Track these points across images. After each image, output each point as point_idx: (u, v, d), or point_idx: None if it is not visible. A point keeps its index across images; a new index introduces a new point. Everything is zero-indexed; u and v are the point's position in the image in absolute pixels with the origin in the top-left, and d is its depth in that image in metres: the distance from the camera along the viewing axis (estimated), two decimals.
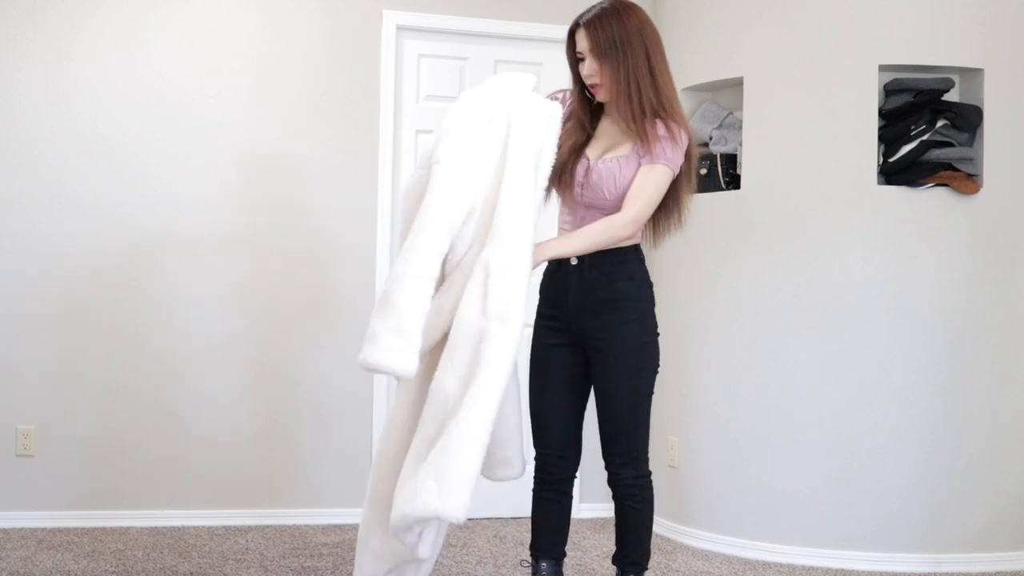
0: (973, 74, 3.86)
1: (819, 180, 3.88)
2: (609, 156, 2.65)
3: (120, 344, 4.23)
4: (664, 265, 4.18)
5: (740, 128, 4.12)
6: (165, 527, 4.20)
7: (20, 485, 4.15)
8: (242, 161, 4.33)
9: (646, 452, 2.73)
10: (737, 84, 4.12)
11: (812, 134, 3.89)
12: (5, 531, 4.06)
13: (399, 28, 4.46)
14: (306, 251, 4.37)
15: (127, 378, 4.23)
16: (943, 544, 3.78)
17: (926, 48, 3.81)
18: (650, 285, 2.72)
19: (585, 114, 2.71)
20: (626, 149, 2.64)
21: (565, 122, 2.69)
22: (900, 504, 3.79)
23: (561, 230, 2.76)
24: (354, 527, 4.29)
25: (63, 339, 4.19)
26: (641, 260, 2.71)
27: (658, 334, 2.73)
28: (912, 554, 3.77)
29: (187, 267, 4.28)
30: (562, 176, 2.67)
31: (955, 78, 3.89)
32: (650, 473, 2.75)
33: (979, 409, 3.82)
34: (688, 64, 4.28)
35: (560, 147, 2.65)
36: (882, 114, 3.87)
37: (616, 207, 2.63)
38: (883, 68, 3.84)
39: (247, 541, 4.02)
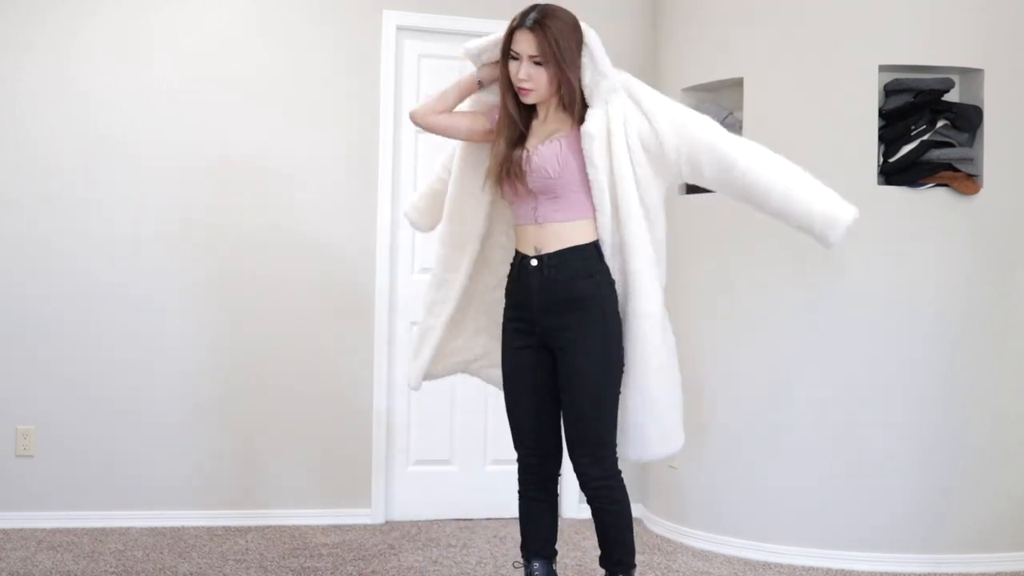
0: (973, 74, 3.86)
1: (819, 180, 3.87)
2: (548, 139, 2.68)
3: (120, 344, 4.23)
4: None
5: (740, 128, 4.12)
6: (165, 527, 4.20)
7: (20, 485, 4.15)
8: (241, 161, 4.33)
9: (613, 452, 2.71)
10: (737, 84, 4.11)
11: (812, 134, 3.88)
12: (5, 531, 4.06)
13: (399, 28, 4.46)
14: (306, 251, 4.37)
15: (127, 378, 4.23)
16: (943, 545, 3.78)
17: (926, 48, 3.80)
18: (611, 284, 2.69)
19: (517, 112, 2.71)
20: (564, 133, 2.68)
21: (494, 122, 2.76)
22: (900, 505, 3.79)
23: (517, 228, 2.75)
24: (354, 527, 4.30)
25: (63, 339, 4.19)
26: (601, 258, 2.69)
27: (621, 333, 2.70)
28: (912, 555, 3.77)
29: (186, 267, 4.28)
30: (507, 170, 2.67)
31: (955, 78, 3.89)
32: (620, 472, 2.72)
33: (979, 409, 3.82)
34: (688, 64, 4.28)
35: (498, 144, 2.70)
36: (882, 114, 3.87)
37: (565, 186, 2.64)
38: (883, 68, 3.84)
39: (247, 541, 4.02)
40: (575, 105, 2.65)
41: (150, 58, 4.27)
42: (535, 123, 2.75)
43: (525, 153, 2.68)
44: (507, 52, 2.65)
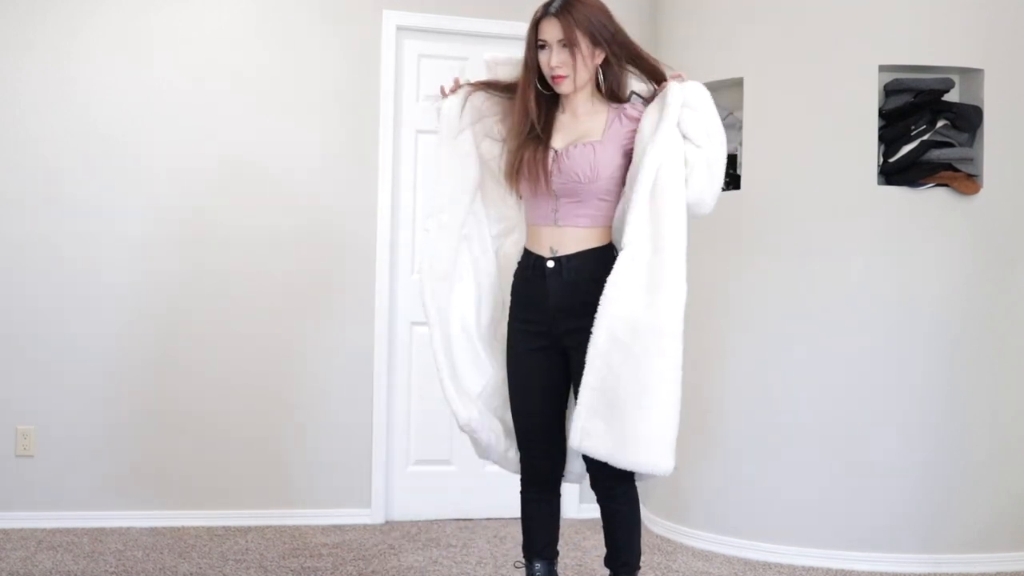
0: (973, 74, 3.86)
1: (819, 180, 3.88)
2: (580, 143, 2.64)
3: (120, 344, 4.23)
4: None
5: (740, 128, 4.12)
6: (165, 527, 4.20)
7: (20, 485, 4.15)
8: (241, 161, 4.33)
9: None
10: (737, 84, 4.11)
11: (812, 134, 3.89)
12: (5, 531, 4.06)
13: (399, 28, 4.46)
14: (306, 251, 4.37)
15: (127, 378, 4.23)
16: (943, 544, 3.78)
17: (926, 48, 3.80)
18: None
19: (538, 106, 2.68)
20: (596, 135, 2.65)
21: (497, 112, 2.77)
22: (900, 504, 3.79)
23: (531, 227, 2.73)
24: (354, 527, 4.30)
25: (63, 339, 4.19)
26: (615, 259, 2.67)
27: None
28: (912, 555, 3.77)
29: (187, 267, 4.28)
30: (522, 167, 2.64)
31: (955, 78, 3.89)
32: (633, 474, 2.71)
33: (979, 409, 3.82)
34: (688, 64, 4.27)
35: (511, 140, 2.67)
36: (882, 114, 3.87)
37: (593, 191, 2.62)
38: (883, 68, 3.84)
39: (247, 541, 4.02)
40: (619, 86, 2.63)
41: (150, 58, 4.27)
42: (562, 118, 2.70)
43: (552, 153, 2.64)
44: (533, 44, 2.63)
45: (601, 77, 2.67)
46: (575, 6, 2.57)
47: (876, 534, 3.79)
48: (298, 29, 4.39)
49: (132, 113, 4.25)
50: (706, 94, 2.66)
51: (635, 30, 4.55)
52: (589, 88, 2.67)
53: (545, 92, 2.68)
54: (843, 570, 3.78)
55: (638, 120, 2.65)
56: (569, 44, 2.57)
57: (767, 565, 3.84)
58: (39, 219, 4.18)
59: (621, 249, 2.57)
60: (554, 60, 2.59)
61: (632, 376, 2.51)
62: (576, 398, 2.67)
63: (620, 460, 2.53)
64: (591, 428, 2.54)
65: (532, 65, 2.65)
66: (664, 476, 2.55)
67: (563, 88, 2.63)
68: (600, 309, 2.55)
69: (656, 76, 2.69)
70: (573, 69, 2.59)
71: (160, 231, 4.26)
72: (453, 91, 2.78)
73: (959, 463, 3.80)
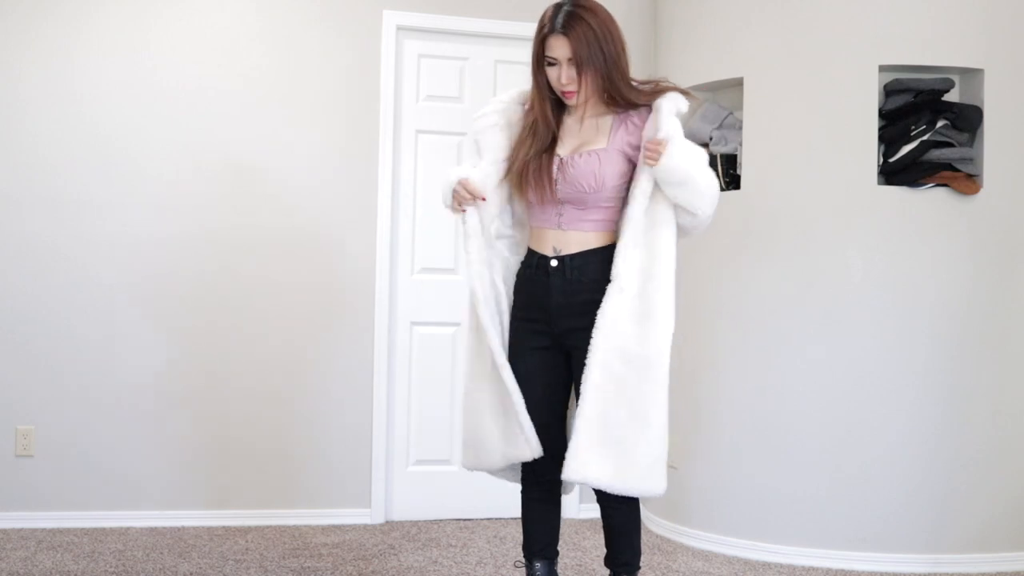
0: (973, 74, 3.86)
1: (819, 180, 3.88)
2: (584, 150, 2.65)
3: (120, 344, 4.23)
4: None
5: (740, 128, 4.12)
6: (165, 527, 4.20)
7: (20, 485, 4.15)
8: (242, 161, 4.33)
9: None
10: (737, 84, 4.11)
11: (812, 134, 3.89)
12: (5, 531, 4.06)
13: (399, 28, 4.46)
14: (306, 251, 4.37)
15: (126, 378, 4.23)
16: (943, 545, 3.78)
17: (926, 48, 3.80)
18: None
19: (553, 115, 2.69)
20: (602, 143, 2.65)
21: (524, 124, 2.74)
22: (900, 504, 3.79)
23: (535, 229, 2.74)
24: (354, 527, 4.30)
25: (63, 339, 4.19)
26: None
27: None
28: (912, 554, 3.77)
29: (186, 267, 4.28)
30: (529, 175, 2.65)
31: (955, 78, 3.89)
32: None
33: (979, 409, 3.82)
34: (688, 64, 4.28)
35: (526, 148, 2.67)
36: (882, 114, 3.87)
37: (597, 200, 2.63)
38: (883, 68, 3.84)
39: (247, 541, 4.02)
40: (624, 98, 2.63)
41: (151, 59, 4.27)
42: (568, 122, 2.72)
43: (558, 160, 2.65)
44: (541, 58, 2.63)
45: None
46: (581, 21, 2.56)
47: (876, 534, 3.79)
48: (298, 29, 4.39)
49: (132, 113, 4.25)
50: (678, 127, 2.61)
51: (635, 31, 4.58)
52: (596, 97, 2.67)
53: (551, 96, 2.69)
54: (843, 570, 3.78)
55: (643, 126, 2.65)
56: (577, 63, 2.57)
57: (767, 565, 3.84)
58: (39, 219, 4.18)
59: (610, 281, 2.60)
60: (564, 77, 2.60)
61: (628, 407, 2.55)
62: (578, 405, 2.68)
63: (620, 487, 2.57)
64: (589, 459, 2.56)
65: (542, 80, 2.66)
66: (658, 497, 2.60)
67: (573, 101, 2.65)
68: (592, 342, 2.57)
69: (635, 105, 2.68)
70: (580, 84, 2.60)
71: (160, 231, 4.26)
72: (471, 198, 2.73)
73: (959, 463, 3.80)
